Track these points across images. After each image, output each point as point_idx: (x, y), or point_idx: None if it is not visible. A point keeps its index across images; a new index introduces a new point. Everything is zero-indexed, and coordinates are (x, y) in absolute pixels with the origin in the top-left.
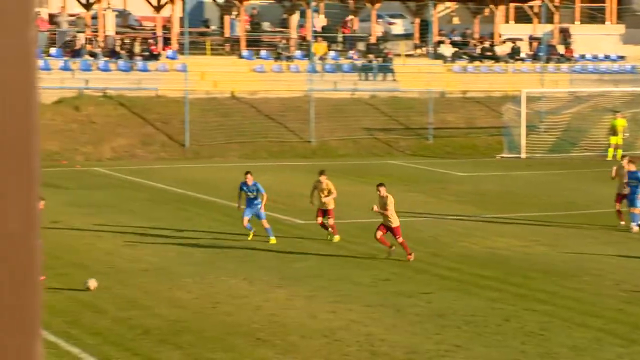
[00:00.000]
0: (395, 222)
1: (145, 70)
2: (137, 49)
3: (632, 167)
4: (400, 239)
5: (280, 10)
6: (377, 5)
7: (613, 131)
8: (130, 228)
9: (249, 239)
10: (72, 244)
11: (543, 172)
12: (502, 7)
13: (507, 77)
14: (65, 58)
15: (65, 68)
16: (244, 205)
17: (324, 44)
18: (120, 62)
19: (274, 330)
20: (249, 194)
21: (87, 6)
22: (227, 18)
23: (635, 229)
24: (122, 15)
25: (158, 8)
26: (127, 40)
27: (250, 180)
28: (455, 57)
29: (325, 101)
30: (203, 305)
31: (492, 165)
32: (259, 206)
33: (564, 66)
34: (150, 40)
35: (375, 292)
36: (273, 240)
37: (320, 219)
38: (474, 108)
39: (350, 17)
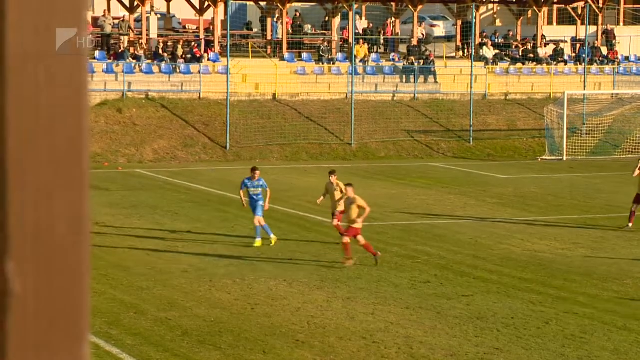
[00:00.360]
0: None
1: (187, 72)
2: (179, 51)
3: None
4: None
5: (322, 12)
6: (419, 8)
7: None
8: (170, 229)
9: (272, 244)
10: (113, 245)
11: (585, 175)
12: (545, 9)
13: (549, 79)
14: (109, 61)
15: (109, 71)
16: (247, 197)
17: (366, 46)
18: (163, 64)
19: (313, 332)
20: (253, 189)
21: (131, 9)
22: (269, 20)
23: None
24: (165, 18)
25: (201, 11)
26: (169, 43)
27: (256, 175)
28: (497, 59)
29: (366, 103)
30: (242, 307)
31: (534, 167)
32: (261, 202)
33: (607, 68)
34: (193, 43)
35: (414, 294)
36: (274, 239)
37: (336, 222)
38: (516, 110)
39: (392, 19)
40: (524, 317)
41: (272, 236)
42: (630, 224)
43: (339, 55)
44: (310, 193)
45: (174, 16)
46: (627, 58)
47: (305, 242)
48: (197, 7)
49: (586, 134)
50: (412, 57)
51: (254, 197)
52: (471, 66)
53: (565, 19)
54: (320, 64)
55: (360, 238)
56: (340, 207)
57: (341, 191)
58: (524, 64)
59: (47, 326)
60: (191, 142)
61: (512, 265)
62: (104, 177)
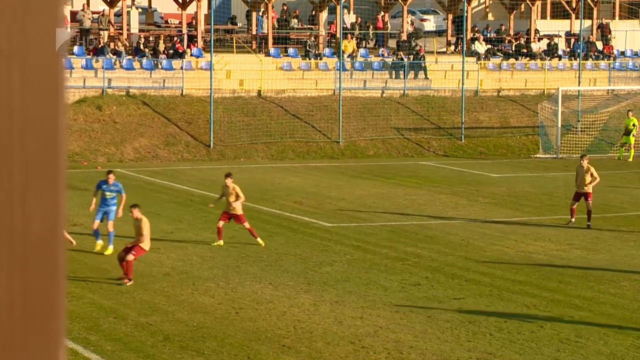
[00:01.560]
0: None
1: (169, 68)
2: (161, 46)
3: None
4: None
5: (308, 6)
6: (409, 1)
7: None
8: (152, 231)
9: (97, 249)
10: (92, 247)
11: None
12: (538, 2)
13: (543, 74)
14: (88, 56)
15: (88, 67)
16: (95, 206)
17: (354, 41)
18: (144, 60)
19: (299, 336)
20: (107, 193)
21: (111, 3)
22: (254, 15)
23: None
24: (147, 12)
25: (183, 5)
26: (151, 38)
27: (111, 179)
28: (490, 54)
29: (354, 100)
30: (226, 311)
31: (527, 166)
32: (114, 208)
33: (603, 63)
34: (175, 38)
35: (404, 297)
36: (109, 250)
37: (221, 223)
38: (509, 107)
39: (381, 13)
40: (518, 321)
41: (110, 247)
42: (573, 219)
43: (327, 51)
44: (297, 193)
45: (156, 10)
46: (622, 53)
47: (291, 243)
48: (180, 0)
49: (581, 131)
50: (402, 52)
51: (108, 201)
52: (462, 61)
53: (560, 13)
54: (307, 59)
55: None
56: (234, 210)
57: (237, 196)
58: (517, 59)
59: (20, 329)
60: (173, 141)
61: (505, 267)
62: (83, 177)
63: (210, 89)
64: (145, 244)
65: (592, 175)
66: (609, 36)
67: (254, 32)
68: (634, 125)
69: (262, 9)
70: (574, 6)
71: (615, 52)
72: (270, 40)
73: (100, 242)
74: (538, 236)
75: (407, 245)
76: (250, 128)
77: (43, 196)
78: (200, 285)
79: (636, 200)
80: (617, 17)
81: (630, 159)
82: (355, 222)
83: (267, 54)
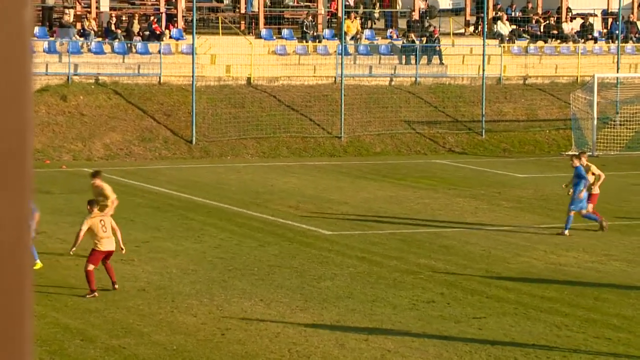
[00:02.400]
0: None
1: (145, 52)
2: (135, 27)
3: (577, 163)
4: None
5: None
6: None
7: None
8: (125, 240)
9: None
10: (57, 259)
11: (618, 173)
12: None
13: (576, 59)
14: (51, 38)
15: (51, 50)
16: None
17: (358, 21)
18: (116, 43)
19: None
20: None
21: None
22: None
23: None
24: None
25: None
26: (124, 18)
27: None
28: (514, 36)
29: (358, 89)
30: (211, 332)
31: (558, 165)
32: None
33: None
34: (152, 18)
35: (416, 316)
36: (38, 264)
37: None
38: (536, 97)
39: None
40: (547, 344)
41: (37, 261)
42: (605, 223)
43: (326, 32)
44: (292, 196)
45: None
46: None
47: (286, 254)
48: None
49: (620, 124)
50: (413, 34)
51: None
52: (483, 44)
53: None
54: (304, 42)
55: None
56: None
57: (105, 196)
58: (545, 41)
59: None
60: (150, 136)
61: (532, 281)
62: (46, 178)
63: (192, 76)
64: (110, 242)
65: (593, 173)
66: None
67: (242, 11)
68: None
69: None
70: None
71: None
72: (262, 20)
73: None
74: (570, 246)
75: (420, 256)
76: (238, 121)
77: (7, 201)
78: (181, 302)
79: None
80: None
81: None
82: (359, 229)
83: (258, 36)
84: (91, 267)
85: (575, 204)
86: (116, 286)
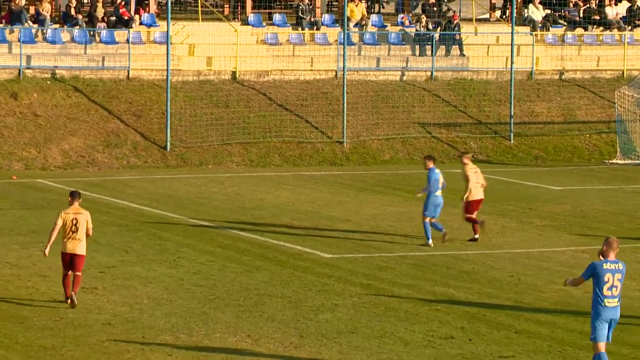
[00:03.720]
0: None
1: (111, 42)
2: (99, 12)
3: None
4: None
5: None
6: None
7: None
8: (88, 265)
9: None
10: (6, 287)
11: None
12: None
13: (622, 50)
14: (0, 25)
15: None
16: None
17: (363, 4)
18: (76, 30)
19: None
20: None
21: None
22: None
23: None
24: None
25: None
26: (86, 1)
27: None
28: (549, 22)
29: (363, 85)
30: None
31: (600, 175)
32: None
33: None
34: (119, 1)
35: (432, 354)
36: None
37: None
38: (575, 94)
39: None
40: None
41: None
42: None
43: (326, 18)
44: (286, 212)
45: None
46: None
47: (278, 281)
48: None
49: None
50: (429, 20)
51: None
52: (512, 33)
53: None
54: (299, 29)
55: None
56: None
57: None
58: (585, 29)
59: None
60: (116, 141)
61: (569, 314)
62: None
63: (167, 69)
64: (75, 244)
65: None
66: None
67: None
68: None
69: None
70: None
71: None
72: (249, 3)
73: None
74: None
75: (436, 283)
76: (221, 123)
77: None
78: (153, 338)
79: None
80: None
81: None
82: (364, 252)
83: (245, 22)
84: (64, 272)
85: (426, 209)
86: (71, 302)
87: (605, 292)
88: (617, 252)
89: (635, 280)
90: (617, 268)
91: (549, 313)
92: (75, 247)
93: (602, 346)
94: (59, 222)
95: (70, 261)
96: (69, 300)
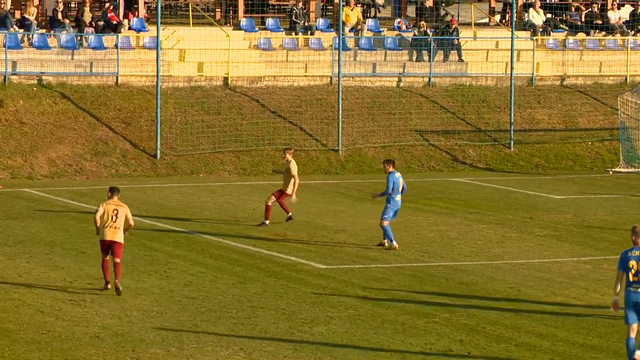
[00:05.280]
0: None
1: (99, 47)
2: (87, 16)
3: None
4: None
5: None
6: None
7: None
8: (75, 276)
9: None
10: None
11: None
12: None
13: (625, 55)
14: None
15: None
16: None
17: (359, 8)
18: (64, 35)
19: None
20: None
21: None
22: None
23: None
24: None
25: None
26: (73, 5)
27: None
28: (550, 27)
29: (359, 91)
30: None
31: (602, 184)
32: None
33: None
34: (107, 5)
35: None
36: None
37: None
38: (577, 101)
39: None
40: None
41: None
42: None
43: (320, 22)
44: (279, 223)
45: None
46: None
47: (271, 293)
48: None
49: None
50: (426, 24)
51: None
52: (512, 37)
53: None
54: (293, 34)
55: None
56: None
57: None
58: (588, 33)
59: None
60: (105, 149)
61: (571, 325)
62: None
63: (157, 75)
64: (113, 232)
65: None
66: None
67: None
68: None
69: None
70: None
71: None
72: (242, 8)
73: None
74: None
75: (434, 295)
76: (213, 131)
77: None
78: (143, 352)
79: None
80: None
81: None
82: (360, 262)
83: (237, 27)
84: (103, 257)
85: (385, 213)
86: (117, 290)
87: (632, 278)
88: None
89: None
90: None
91: (549, 326)
92: (114, 235)
93: (631, 330)
94: (101, 210)
95: (109, 248)
96: (109, 285)
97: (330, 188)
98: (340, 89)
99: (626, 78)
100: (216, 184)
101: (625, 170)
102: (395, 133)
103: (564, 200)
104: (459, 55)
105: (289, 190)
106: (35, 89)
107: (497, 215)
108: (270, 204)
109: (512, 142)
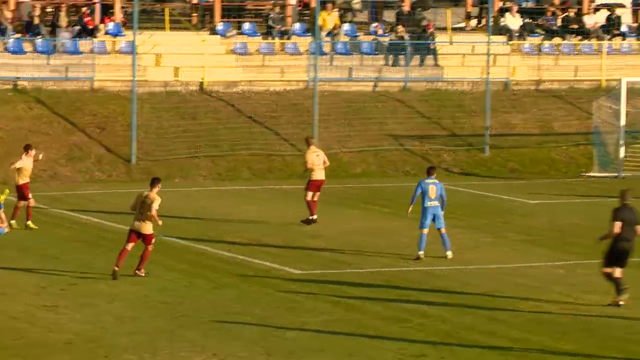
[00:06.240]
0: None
1: (75, 52)
2: (63, 21)
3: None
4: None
5: None
6: None
7: None
8: (49, 281)
9: None
10: None
11: None
12: None
13: (601, 60)
14: None
15: None
16: None
17: (336, 13)
18: (39, 40)
19: None
20: None
21: None
22: None
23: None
24: None
25: None
26: (49, 9)
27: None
28: (526, 31)
29: (335, 96)
30: None
31: (577, 188)
32: None
33: None
34: (83, 9)
35: None
36: None
37: None
38: (552, 105)
39: None
40: None
41: None
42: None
43: (297, 27)
44: (255, 228)
45: None
46: None
47: (246, 299)
48: None
49: None
50: (403, 29)
51: None
52: (488, 42)
53: None
54: (270, 38)
55: None
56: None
57: None
58: (563, 38)
59: None
60: (80, 154)
61: (545, 330)
62: None
63: (133, 80)
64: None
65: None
66: None
67: (194, 1)
68: None
69: None
70: None
71: None
72: (218, 12)
73: None
74: (592, 287)
75: (408, 300)
76: (188, 136)
77: None
78: (116, 357)
79: None
80: None
81: None
82: (335, 268)
83: (213, 32)
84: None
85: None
86: (139, 272)
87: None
88: None
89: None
90: None
91: (524, 330)
92: (140, 228)
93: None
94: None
95: (141, 239)
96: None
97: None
98: (317, 93)
99: (601, 83)
100: (192, 189)
101: (600, 174)
102: (370, 138)
103: (538, 204)
104: (435, 60)
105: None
106: (10, 94)
107: (471, 220)
108: (310, 199)
109: (487, 147)
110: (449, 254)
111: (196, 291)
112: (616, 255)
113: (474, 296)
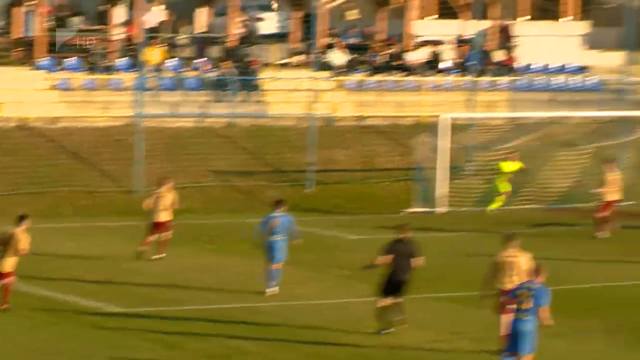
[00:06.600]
0: None
1: None
2: None
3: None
4: None
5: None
6: None
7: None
8: None
9: None
10: None
11: (470, 234)
12: None
13: (423, 96)
14: None
15: None
16: None
17: (161, 48)
18: None
19: None
20: None
21: None
22: (17, 11)
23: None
24: None
25: None
26: None
27: None
28: (350, 67)
29: (159, 132)
30: None
31: (395, 223)
32: None
33: (503, 80)
34: None
35: None
36: None
37: None
38: (374, 141)
39: (201, 9)
40: None
41: None
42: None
43: (122, 62)
44: (77, 266)
45: None
46: (529, 66)
47: (65, 338)
48: None
49: (473, 175)
50: (229, 64)
51: None
52: (311, 77)
53: (446, 12)
54: (93, 74)
55: None
56: None
57: None
58: (387, 74)
59: None
60: None
61: None
62: None
63: None
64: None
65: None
66: (511, 43)
67: (17, 35)
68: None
69: (33, 2)
70: (465, 1)
71: (520, 65)
72: (41, 47)
73: None
74: (412, 323)
75: (233, 336)
76: (8, 172)
77: None
78: None
79: (555, 274)
80: (523, 17)
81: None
82: (156, 305)
83: (35, 67)
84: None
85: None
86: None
87: None
88: None
89: (432, 331)
90: None
91: None
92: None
93: None
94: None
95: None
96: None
97: (128, 230)
98: (141, 129)
99: (422, 119)
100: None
101: (420, 209)
102: (194, 174)
103: (358, 240)
104: (260, 95)
105: None
106: None
107: (296, 257)
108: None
109: (311, 183)
110: (274, 290)
111: (11, 332)
112: (393, 287)
113: (297, 331)
